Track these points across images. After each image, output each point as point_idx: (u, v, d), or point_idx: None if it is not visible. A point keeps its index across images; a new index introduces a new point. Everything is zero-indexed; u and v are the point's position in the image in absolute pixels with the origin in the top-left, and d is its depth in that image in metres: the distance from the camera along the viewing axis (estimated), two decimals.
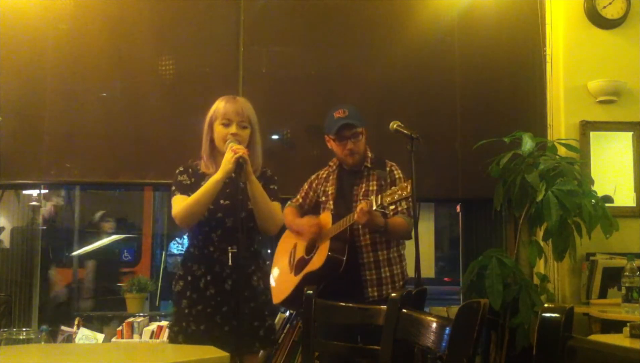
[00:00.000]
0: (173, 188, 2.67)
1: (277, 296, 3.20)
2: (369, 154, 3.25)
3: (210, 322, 2.57)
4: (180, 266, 2.70)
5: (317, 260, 3.10)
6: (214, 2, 4.05)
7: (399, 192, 2.87)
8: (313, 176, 3.39)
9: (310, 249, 3.20)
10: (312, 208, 3.36)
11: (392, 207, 2.99)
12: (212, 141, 2.68)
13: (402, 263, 3.22)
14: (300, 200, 3.39)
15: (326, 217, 3.18)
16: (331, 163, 3.34)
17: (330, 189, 3.26)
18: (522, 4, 4.18)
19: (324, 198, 3.28)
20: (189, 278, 2.62)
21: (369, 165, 3.22)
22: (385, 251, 3.16)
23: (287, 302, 3.22)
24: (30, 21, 3.89)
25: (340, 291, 2.85)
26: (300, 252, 3.25)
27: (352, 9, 4.12)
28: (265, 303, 2.70)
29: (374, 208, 2.89)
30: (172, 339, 2.62)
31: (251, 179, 2.56)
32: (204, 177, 2.66)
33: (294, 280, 3.17)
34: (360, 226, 3.08)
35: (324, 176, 3.34)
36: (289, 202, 3.39)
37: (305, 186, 3.39)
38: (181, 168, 2.72)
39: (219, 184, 2.54)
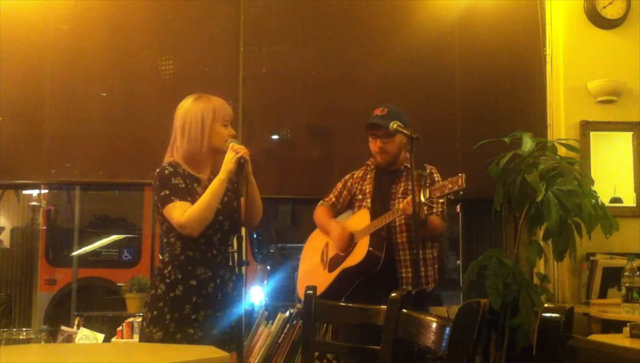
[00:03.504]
0: (166, 191, 2.49)
1: None
2: (408, 156, 3.23)
3: (218, 325, 2.54)
4: (172, 270, 2.53)
5: (356, 256, 3.10)
6: (214, 2, 4.05)
7: (449, 186, 2.89)
8: (348, 176, 3.41)
9: (345, 246, 3.21)
10: (345, 208, 3.39)
11: (441, 201, 3.02)
12: (207, 140, 2.58)
13: (435, 265, 3.23)
14: (334, 199, 3.40)
15: (363, 214, 3.19)
16: (369, 162, 3.36)
17: (368, 188, 3.28)
18: (522, 4, 4.18)
19: (360, 196, 3.29)
20: (194, 282, 2.51)
21: (408, 165, 3.22)
22: (421, 250, 3.15)
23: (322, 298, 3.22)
24: (30, 21, 3.89)
25: (376, 289, 2.87)
26: (334, 250, 3.26)
27: (352, 9, 4.12)
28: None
29: (423, 200, 2.91)
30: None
31: (250, 180, 2.55)
32: (195, 180, 2.58)
33: (328, 277, 3.17)
34: (397, 224, 3.12)
35: (360, 175, 3.36)
36: (321, 201, 3.42)
37: (339, 185, 3.41)
38: (170, 169, 2.54)
39: (224, 185, 2.51)
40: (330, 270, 3.21)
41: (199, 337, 2.49)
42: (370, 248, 3.05)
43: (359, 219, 3.22)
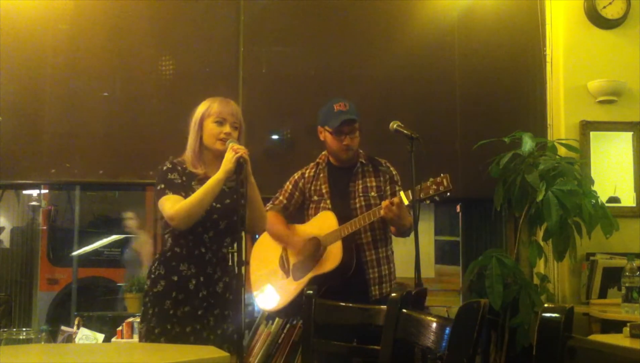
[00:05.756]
0: (162, 185, 2.57)
1: (272, 304, 3.13)
2: (362, 152, 3.22)
3: (199, 324, 2.54)
4: (158, 265, 2.59)
5: (329, 263, 3.02)
6: (214, 2, 4.05)
7: (434, 187, 2.84)
8: (297, 175, 3.27)
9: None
10: (296, 210, 3.24)
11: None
12: (200, 139, 2.66)
13: (393, 261, 3.20)
14: (285, 201, 3.24)
15: (328, 217, 3.09)
16: (319, 160, 3.25)
17: (324, 188, 3.16)
18: (522, 4, 4.18)
19: (316, 197, 3.17)
20: (175, 278, 2.55)
21: (363, 161, 3.19)
22: (384, 248, 3.13)
23: (288, 309, 3.12)
24: (30, 21, 3.89)
25: (345, 291, 2.82)
26: (297, 256, 3.15)
27: (352, 9, 4.12)
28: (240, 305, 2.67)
29: (406, 203, 2.85)
30: (153, 341, 2.52)
31: (250, 181, 2.55)
32: (193, 177, 2.62)
33: (294, 285, 3.08)
34: None
35: (312, 174, 3.23)
36: (269, 205, 3.23)
37: (289, 186, 3.26)
38: (169, 165, 2.64)
39: (221, 184, 2.52)
40: (296, 278, 3.09)
41: (176, 332, 2.51)
42: (345, 254, 2.98)
43: (323, 222, 3.09)
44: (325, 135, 3.15)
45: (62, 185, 4.96)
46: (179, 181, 2.59)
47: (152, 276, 2.60)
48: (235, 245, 2.60)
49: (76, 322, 3.75)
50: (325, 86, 4.04)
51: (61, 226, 7.19)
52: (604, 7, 4.03)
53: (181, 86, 3.94)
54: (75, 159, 3.88)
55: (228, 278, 2.61)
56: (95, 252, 7.15)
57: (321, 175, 3.20)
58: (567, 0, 4.11)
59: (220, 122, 2.64)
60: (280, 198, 3.25)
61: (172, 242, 2.60)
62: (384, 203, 2.92)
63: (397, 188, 3.10)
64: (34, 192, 4.11)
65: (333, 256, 3.03)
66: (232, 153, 2.51)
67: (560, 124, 4.05)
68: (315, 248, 3.08)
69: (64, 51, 3.91)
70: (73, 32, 3.92)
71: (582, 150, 3.91)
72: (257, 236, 3.37)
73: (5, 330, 3.28)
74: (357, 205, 3.10)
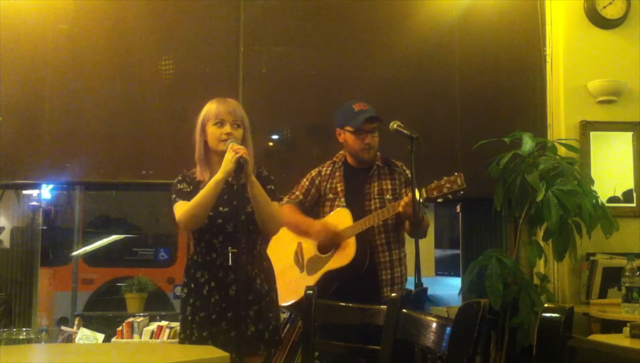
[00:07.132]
0: (174, 196, 2.68)
1: (286, 298, 3.12)
2: (378, 153, 3.22)
3: (214, 328, 2.56)
4: (184, 274, 2.71)
5: (343, 258, 3.03)
6: (214, 2, 4.05)
7: (447, 185, 2.84)
8: (314, 172, 3.28)
9: (325, 247, 3.12)
10: (312, 207, 3.26)
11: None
12: (205, 143, 2.68)
13: (406, 263, 3.21)
14: (301, 197, 3.25)
15: (343, 214, 3.10)
16: (335, 159, 3.26)
17: (339, 187, 3.18)
18: (522, 4, 4.18)
19: (331, 195, 3.19)
20: (192, 285, 2.63)
21: (380, 163, 3.19)
22: (397, 250, 3.14)
23: (300, 304, 3.15)
24: (30, 21, 3.88)
25: (357, 291, 2.82)
26: (310, 251, 3.16)
27: (352, 9, 4.12)
28: (269, 305, 2.67)
29: (421, 200, 2.86)
30: None
31: (251, 180, 2.55)
32: (200, 184, 2.65)
33: (308, 280, 3.09)
34: (376, 225, 3.06)
35: (328, 172, 3.24)
36: (286, 198, 3.25)
37: (306, 182, 3.27)
38: (180, 177, 2.73)
39: (220, 184, 2.53)
40: (310, 273, 3.11)
41: (196, 338, 2.56)
42: (358, 250, 2.99)
43: (338, 219, 3.10)
44: (345, 136, 3.17)
45: (62, 185, 4.95)
46: (188, 189, 2.66)
47: (182, 284, 2.73)
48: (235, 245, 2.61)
49: (76, 322, 3.74)
50: (325, 86, 4.04)
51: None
52: (604, 7, 4.03)
53: (181, 86, 3.94)
54: (75, 159, 3.88)
55: (255, 271, 2.66)
56: (129, 252, 7.13)
57: (337, 174, 3.22)
58: (567, 0, 4.11)
59: (220, 123, 2.65)
60: (297, 193, 3.27)
61: (193, 250, 2.72)
62: (405, 200, 2.90)
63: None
64: (34, 192, 4.11)
65: (346, 252, 3.04)
66: (232, 153, 2.51)
67: (560, 124, 4.05)
68: (333, 236, 3.07)
69: (64, 51, 3.90)
70: (73, 32, 3.92)
71: (582, 150, 3.91)
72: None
73: (5, 330, 3.28)
74: (372, 207, 3.10)
